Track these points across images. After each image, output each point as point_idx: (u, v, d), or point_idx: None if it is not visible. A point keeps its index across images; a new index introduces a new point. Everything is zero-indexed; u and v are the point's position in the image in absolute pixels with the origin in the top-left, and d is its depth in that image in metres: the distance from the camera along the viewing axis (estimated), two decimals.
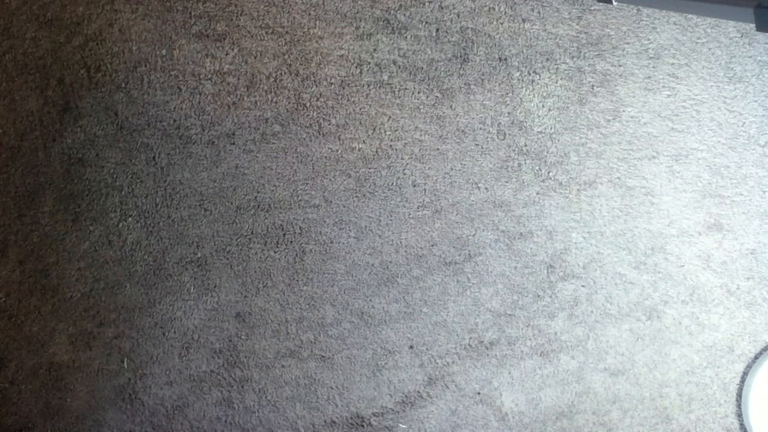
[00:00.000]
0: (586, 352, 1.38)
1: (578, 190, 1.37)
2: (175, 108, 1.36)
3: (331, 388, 1.38)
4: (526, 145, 1.37)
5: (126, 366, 1.37)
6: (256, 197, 1.37)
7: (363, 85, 1.36)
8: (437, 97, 1.36)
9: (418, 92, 1.36)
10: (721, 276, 1.37)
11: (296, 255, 1.37)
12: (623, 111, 1.36)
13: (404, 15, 1.36)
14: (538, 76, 1.36)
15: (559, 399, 1.38)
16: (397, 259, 1.38)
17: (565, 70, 1.36)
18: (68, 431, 1.38)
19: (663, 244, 1.37)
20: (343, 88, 1.36)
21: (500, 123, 1.36)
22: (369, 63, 1.36)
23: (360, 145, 1.37)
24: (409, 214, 1.37)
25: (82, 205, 1.36)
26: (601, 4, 1.35)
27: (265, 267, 1.37)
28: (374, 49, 1.36)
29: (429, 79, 1.36)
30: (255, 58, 1.36)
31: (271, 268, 1.37)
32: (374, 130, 1.37)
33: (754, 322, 1.37)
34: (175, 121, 1.36)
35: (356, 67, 1.36)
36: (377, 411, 1.39)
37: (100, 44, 1.35)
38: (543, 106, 1.36)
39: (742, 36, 1.35)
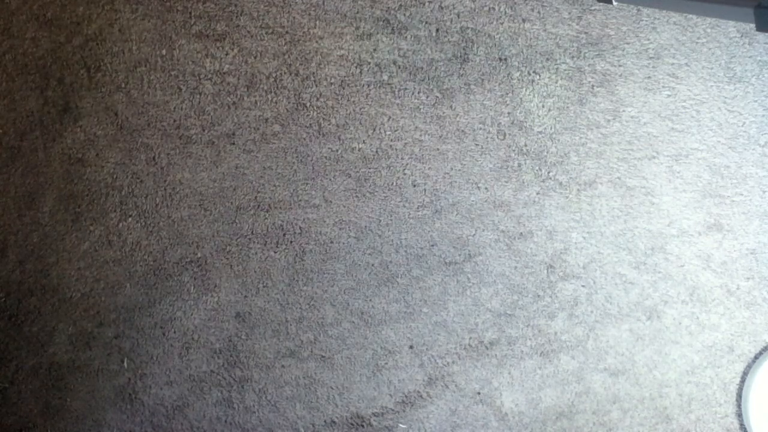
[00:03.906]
0: (586, 352, 1.38)
1: (578, 190, 1.37)
2: (175, 108, 1.36)
3: (331, 388, 1.38)
4: (526, 145, 1.37)
5: (126, 366, 1.37)
6: (256, 197, 1.37)
7: (363, 85, 1.36)
8: (437, 97, 1.36)
9: (418, 92, 1.36)
10: (721, 276, 1.37)
11: (296, 255, 1.37)
12: (623, 111, 1.36)
13: (404, 15, 1.36)
14: (538, 76, 1.36)
15: (559, 399, 1.38)
16: (397, 259, 1.38)
17: (565, 70, 1.36)
18: (68, 431, 1.38)
19: (663, 244, 1.37)
20: (343, 88, 1.36)
21: (500, 123, 1.36)
22: (369, 63, 1.36)
23: (360, 145, 1.37)
24: (409, 214, 1.37)
25: (82, 205, 1.36)
26: (601, 4, 1.35)
27: (265, 267, 1.37)
28: (374, 49, 1.36)
29: (429, 79, 1.36)
30: (255, 58, 1.36)
31: (271, 268, 1.37)
32: (374, 130, 1.37)
33: (754, 322, 1.37)
34: (175, 121, 1.36)
35: (356, 67, 1.36)
36: (377, 411, 1.39)
37: (100, 44, 1.35)
38: (543, 106, 1.36)
39: (742, 36, 1.35)
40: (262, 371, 1.38)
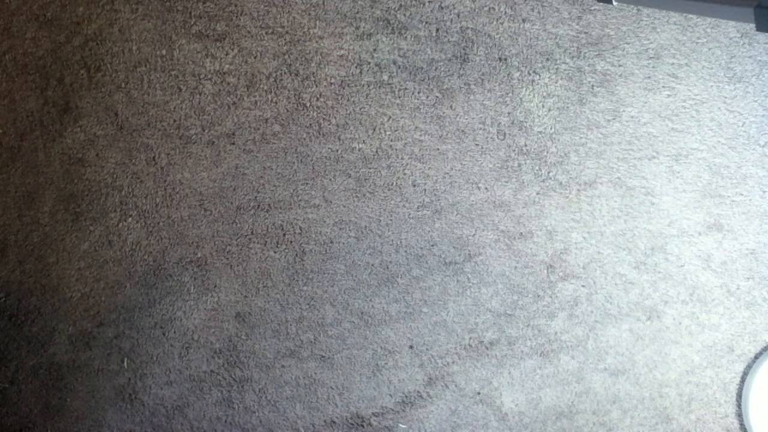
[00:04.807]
0: (586, 352, 1.38)
1: (578, 190, 1.37)
2: (175, 108, 1.36)
3: (331, 388, 1.38)
4: (526, 145, 1.37)
5: (126, 366, 1.37)
6: (256, 197, 1.37)
7: (363, 85, 1.36)
8: (437, 97, 1.36)
9: (418, 92, 1.36)
10: (721, 276, 1.37)
11: (296, 255, 1.37)
12: (623, 111, 1.36)
13: (404, 15, 1.36)
14: (538, 76, 1.36)
15: (559, 399, 1.38)
16: (397, 259, 1.38)
17: (565, 70, 1.36)
18: (68, 431, 1.38)
19: (663, 244, 1.37)
20: (343, 88, 1.36)
21: (500, 123, 1.36)
22: (369, 63, 1.36)
23: (360, 145, 1.37)
24: (409, 214, 1.37)
25: (82, 205, 1.36)
26: (601, 4, 1.35)
27: (265, 267, 1.37)
28: (374, 49, 1.36)
29: (429, 79, 1.36)
30: (255, 58, 1.36)
31: (271, 268, 1.37)
32: (374, 130, 1.37)
33: (754, 322, 1.37)
34: (175, 121, 1.36)
35: (356, 67, 1.36)
36: (377, 411, 1.39)
37: (100, 44, 1.35)
38: (543, 106, 1.36)
39: (742, 36, 1.35)
40: (262, 371, 1.38)
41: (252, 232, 1.37)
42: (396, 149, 1.37)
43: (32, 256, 1.36)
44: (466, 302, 1.38)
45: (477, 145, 1.37)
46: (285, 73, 1.36)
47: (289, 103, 1.36)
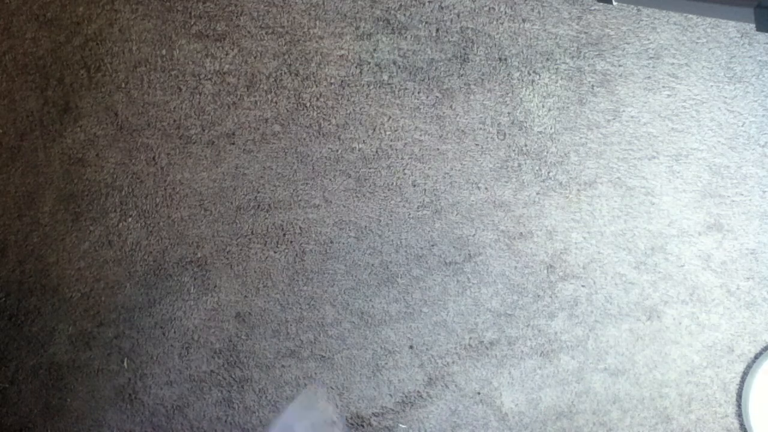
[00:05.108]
0: (586, 352, 1.38)
1: (578, 190, 1.37)
2: (175, 108, 1.36)
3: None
4: (526, 145, 1.37)
5: (126, 366, 1.37)
6: (256, 197, 1.37)
7: (363, 85, 1.36)
8: (437, 97, 1.36)
9: (418, 92, 1.36)
10: (721, 276, 1.37)
11: (296, 255, 1.37)
12: (623, 111, 1.36)
13: (404, 15, 1.36)
14: (538, 76, 1.36)
15: (559, 399, 1.38)
16: (397, 259, 1.38)
17: (565, 70, 1.36)
18: (68, 431, 1.38)
19: (663, 244, 1.37)
20: (343, 88, 1.36)
21: (500, 123, 1.36)
22: (369, 63, 1.36)
23: (360, 145, 1.37)
24: (409, 214, 1.37)
25: (82, 205, 1.36)
26: (601, 4, 1.35)
27: (265, 267, 1.37)
28: (374, 49, 1.36)
29: (429, 79, 1.36)
30: (255, 58, 1.36)
31: (271, 268, 1.37)
32: (374, 130, 1.37)
33: (754, 322, 1.37)
34: (175, 121, 1.36)
35: (356, 67, 1.36)
36: (377, 411, 1.39)
37: (100, 44, 1.35)
38: (543, 106, 1.36)
39: (742, 36, 1.35)
40: (262, 371, 1.38)
41: (252, 232, 1.37)
42: (396, 149, 1.37)
43: (32, 256, 1.36)
44: (466, 302, 1.38)
45: (477, 145, 1.37)
46: (285, 73, 1.36)
47: (289, 103, 1.36)
